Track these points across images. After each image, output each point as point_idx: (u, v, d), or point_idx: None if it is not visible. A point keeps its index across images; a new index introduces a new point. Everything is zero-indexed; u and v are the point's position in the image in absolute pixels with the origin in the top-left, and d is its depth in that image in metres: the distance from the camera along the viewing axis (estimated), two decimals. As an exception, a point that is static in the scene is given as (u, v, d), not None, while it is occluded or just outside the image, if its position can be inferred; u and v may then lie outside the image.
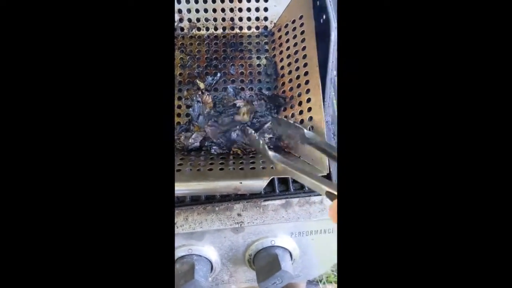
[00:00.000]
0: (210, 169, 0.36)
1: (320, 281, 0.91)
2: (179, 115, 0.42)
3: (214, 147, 0.40)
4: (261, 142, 0.34)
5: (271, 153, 0.32)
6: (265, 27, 0.47)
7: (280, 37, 0.45)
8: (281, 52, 0.44)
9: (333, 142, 0.39)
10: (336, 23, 0.39)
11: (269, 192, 0.37)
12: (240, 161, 0.38)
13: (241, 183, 0.33)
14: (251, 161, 0.37)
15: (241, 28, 0.47)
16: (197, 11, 0.46)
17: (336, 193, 0.27)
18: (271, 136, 0.39)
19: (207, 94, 0.41)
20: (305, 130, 0.35)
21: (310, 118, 0.38)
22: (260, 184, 0.33)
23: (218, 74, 0.44)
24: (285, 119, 0.39)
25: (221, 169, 0.36)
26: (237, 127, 0.40)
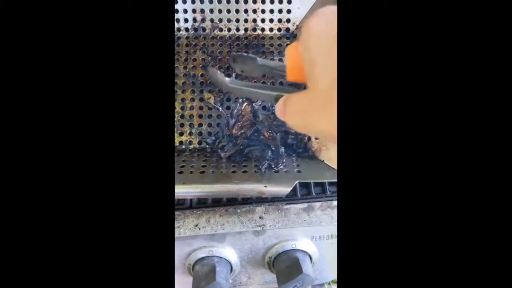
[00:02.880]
0: (234, 171, 0.36)
1: (326, 282, 0.91)
2: (200, 116, 0.42)
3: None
4: (216, 72, 0.34)
5: (227, 79, 0.32)
6: (287, 29, 0.47)
7: (302, 40, 0.45)
8: (303, 55, 0.44)
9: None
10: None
11: (291, 196, 0.37)
12: (263, 164, 0.38)
13: (266, 186, 0.33)
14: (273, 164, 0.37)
15: (263, 29, 0.46)
16: (220, 11, 0.45)
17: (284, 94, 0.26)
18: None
19: (246, 104, 0.41)
20: (258, 58, 0.34)
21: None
22: (285, 189, 0.33)
23: (233, 75, 0.43)
24: (239, 53, 0.39)
25: (244, 171, 0.36)
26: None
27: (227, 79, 0.32)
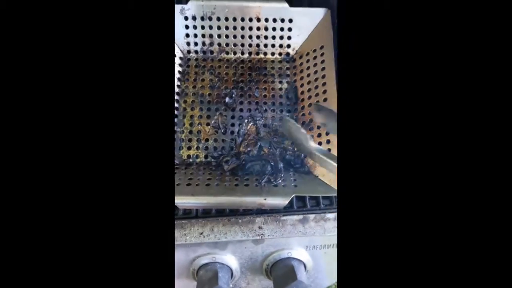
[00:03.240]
0: (236, 185, 0.40)
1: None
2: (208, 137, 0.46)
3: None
4: (305, 132, 0.33)
5: (313, 145, 0.31)
6: (288, 54, 0.51)
7: (301, 64, 0.49)
8: (301, 78, 0.48)
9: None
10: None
11: (288, 208, 0.41)
12: (263, 179, 0.41)
13: (265, 199, 0.37)
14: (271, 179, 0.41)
15: (265, 53, 0.51)
16: (227, 36, 0.49)
17: None
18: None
19: (252, 124, 0.45)
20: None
21: (328, 141, 0.42)
22: (283, 202, 0.36)
23: (233, 92, 0.48)
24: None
25: (246, 185, 0.40)
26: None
27: (313, 144, 0.31)
